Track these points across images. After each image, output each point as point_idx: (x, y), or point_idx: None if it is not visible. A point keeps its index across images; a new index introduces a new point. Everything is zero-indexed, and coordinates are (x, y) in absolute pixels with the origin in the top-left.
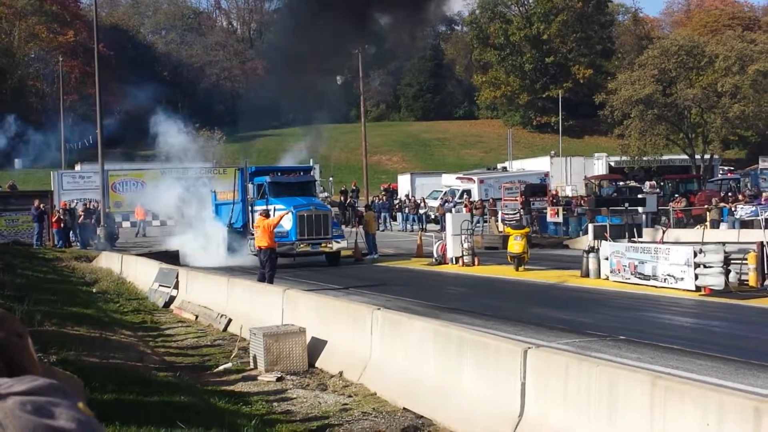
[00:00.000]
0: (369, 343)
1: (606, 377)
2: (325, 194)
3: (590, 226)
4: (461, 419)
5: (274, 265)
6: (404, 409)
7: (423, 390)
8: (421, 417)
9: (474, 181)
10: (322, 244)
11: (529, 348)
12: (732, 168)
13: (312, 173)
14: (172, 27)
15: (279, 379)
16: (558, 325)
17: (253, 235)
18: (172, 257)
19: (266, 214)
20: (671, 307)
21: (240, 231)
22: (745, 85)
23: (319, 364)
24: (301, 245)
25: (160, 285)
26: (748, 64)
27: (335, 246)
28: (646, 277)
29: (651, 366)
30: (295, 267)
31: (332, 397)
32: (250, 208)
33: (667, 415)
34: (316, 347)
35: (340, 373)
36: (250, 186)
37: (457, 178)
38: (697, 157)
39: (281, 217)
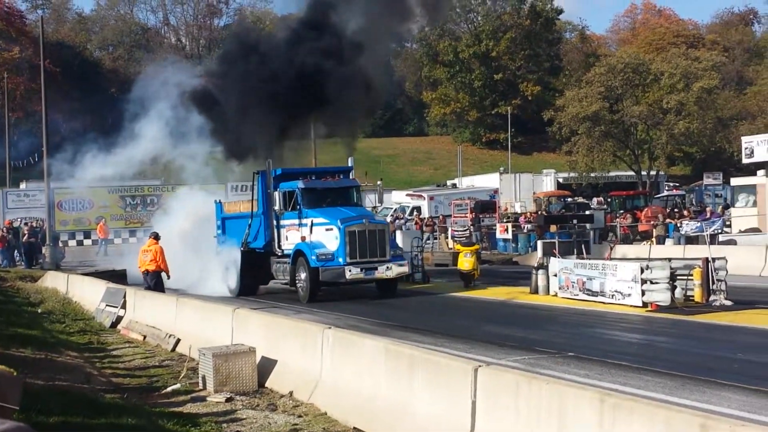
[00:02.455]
0: (320, 363)
1: (556, 395)
2: (378, 205)
3: (539, 243)
4: None
5: (162, 290)
6: (355, 428)
7: (374, 409)
8: None
9: (424, 198)
10: (378, 269)
11: (480, 366)
12: (677, 184)
13: (351, 175)
14: (120, 43)
15: (228, 400)
16: (508, 341)
17: (282, 257)
18: (119, 276)
19: (157, 237)
20: (619, 323)
21: (261, 253)
22: (690, 102)
23: (270, 383)
24: (352, 270)
25: (107, 305)
26: (692, 82)
27: (394, 270)
28: (595, 294)
29: (599, 383)
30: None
31: (282, 418)
32: (276, 222)
33: (616, 429)
34: (266, 367)
35: (291, 393)
36: (276, 195)
37: (407, 194)
38: (644, 173)
39: (160, 253)
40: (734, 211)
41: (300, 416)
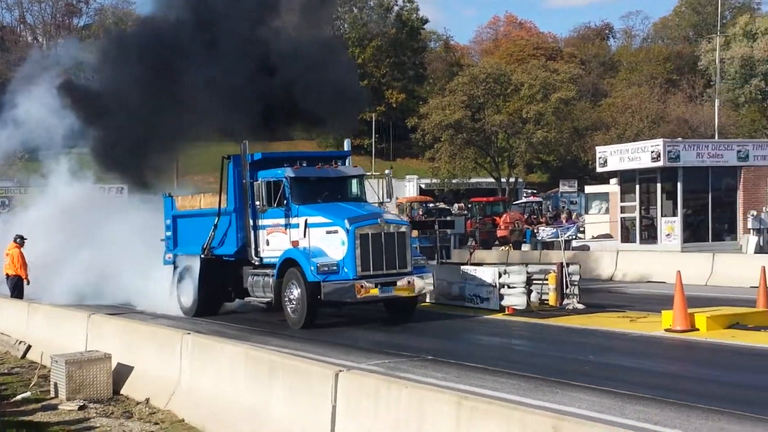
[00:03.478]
0: (178, 369)
1: (415, 399)
2: (386, 200)
3: None
4: None
5: (21, 296)
6: None
7: (233, 414)
8: None
9: None
10: (398, 284)
11: (341, 371)
12: (535, 191)
13: (349, 162)
14: None
15: (81, 408)
16: (368, 345)
17: (260, 267)
18: None
19: (21, 242)
20: (477, 326)
21: (230, 262)
22: (548, 112)
23: (126, 390)
24: (365, 286)
25: None
26: (551, 93)
27: (417, 284)
28: (455, 298)
29: (457, 385)
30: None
31: (138, 425)
32: (252, 222)
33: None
34: (122, 374)
35: (147, 400)
36: (257, 186)
37: None
38: (503, 180)
39: (18, 258)
40: (588, 217)
41: (156, 423)
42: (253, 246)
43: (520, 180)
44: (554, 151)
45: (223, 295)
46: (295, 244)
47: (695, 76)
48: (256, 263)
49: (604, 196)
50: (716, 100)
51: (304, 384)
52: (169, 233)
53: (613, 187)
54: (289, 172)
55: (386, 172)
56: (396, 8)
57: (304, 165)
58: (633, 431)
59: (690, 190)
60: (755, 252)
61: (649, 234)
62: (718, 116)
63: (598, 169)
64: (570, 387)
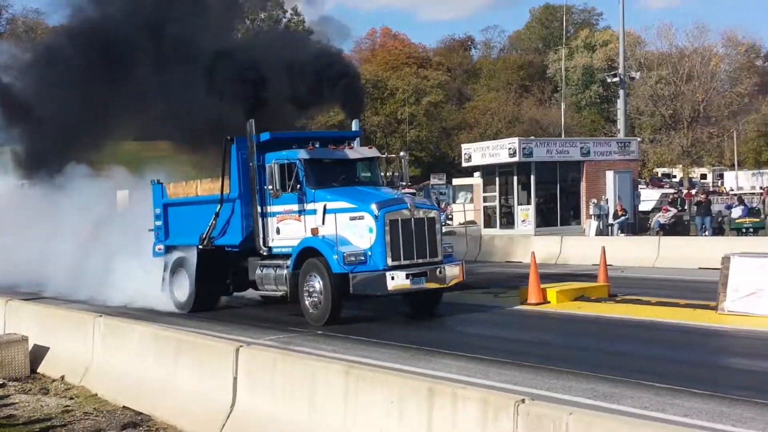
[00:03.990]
0: (91, 348)
1: (308, 369)
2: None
3: None
4: (179, 413)
5: None
6: (124, 407)
7: (143, 389)
8: (141, 414)
9: None
10: (429, 274)
11: (241, 346)
12: (410, 183)
13: (358, 143)
14: None
15: (0, 386)
16: (263, 323)
17: (270, 257)
18: None
19: None
20: (359, 303)
21: (233, 252)
22: (420, 114)
23: (42, 369)
24: (396, 277)
25: None
26: (422, 97)
27: (448, 274)
28: None
29: (345, 356)
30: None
31: (54, 400)
32: (261, 209)
33: (359, 399)
34: (39, 354)
35: (62, 377)
36: (269, 169)
37: None
38: (381, 174)
39: None
40: (455, 206)
41: (71, 398)
42: (261, 235)
43: (396, 174)
44: (425, 148)
45: (221, 289)
46: (314, 232)
47: (544, 83)
48: (265, 254)
49: (469, 188)
50: (562, 104)
51: (207, 359)
52: (159, 223)
53: (476, 179)
54: (303, 153)
55: (401, 153)
56: (284, 20)
57: (317, 146)
58: (498, 392)
59: (541, 181)
60: (596, 234)
61: (508, 220)
62: (564, 117)
63: (464, 164)
64: (441, 355)
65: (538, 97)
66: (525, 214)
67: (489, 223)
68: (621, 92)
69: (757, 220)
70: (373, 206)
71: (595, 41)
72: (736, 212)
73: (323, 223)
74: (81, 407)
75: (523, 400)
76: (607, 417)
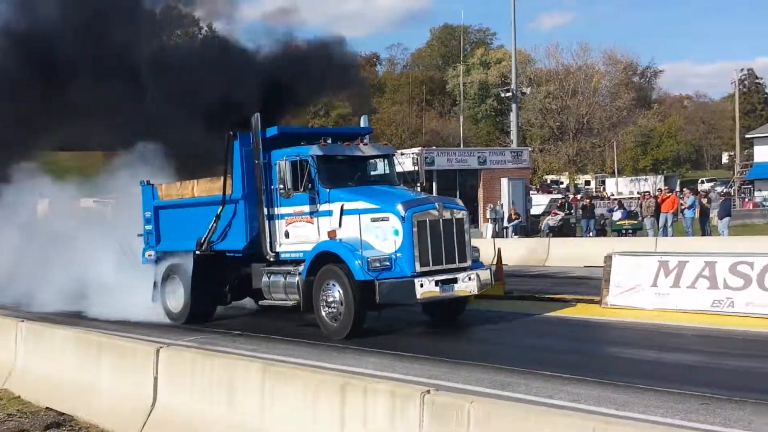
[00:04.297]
0: (14, 353)
1: (227, 368)
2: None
3: None
4: (101, 412)
5: None
6: (47, 408)
7: (66, 390)
8: (63, 414)
9: None
10: (459, 281)
11: (161, 347)
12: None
13: (367, 139)
14: None
15: None
16: (184, 325)
17: (278, 264)
18: None
19: None
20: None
21: (236, 258)
22: (330, 125)
23: None
24: (425, 284)
25: None
26: (331, 109)
27: (477, 279)
28: None
29: (265, 355)
30: None
31: None
32: (267, 211)
33: (275, 394)
34: None
35: None
36: (280, 167)
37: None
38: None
39: None
40: None
41: None
42: (268, 239)
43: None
44: None
45: (219, 298)
46: (331, 235)
47: (444, 97)
48: (272, 259)
49: None
50: (461, 116)
51: (129, 360)
52: (149, 227)
53: None
54: (315, 149)
55: (415, 150)
56: (200, 37)
57: (329, 142)
58: (406, 384)
59: (443, 188)
60: (492, 237)
61: None
62: (462, 129)
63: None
64: (359, 352)
65: (439, 110)
66: None
67: None
68: (513, 106)
69: (635, 222)
70: (400, 206)
71: (490, 59)
72: (617, 215)
73: (340, 226)
74: (4, 409)
75: (428, 391)
76: (504, 404)
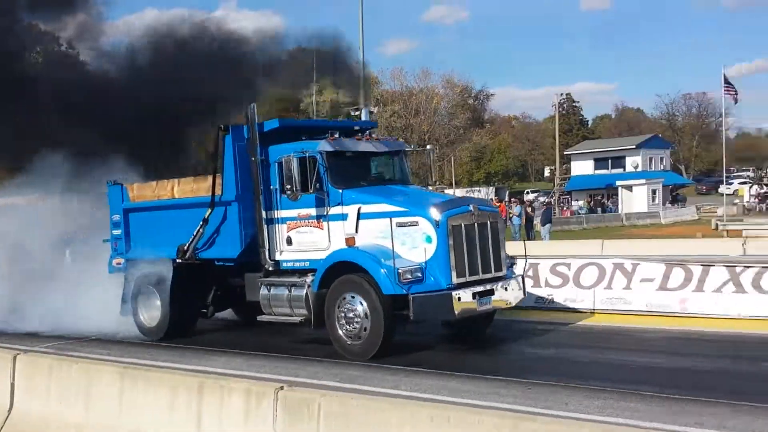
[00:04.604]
0: None
1: (84, 372)
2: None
3: None
4: None
5: None
6: None
7: None
8: None
9: None
10: (496, 293)
11: (18, 354)
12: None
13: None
14: None
15: None
16: (43, 332)
17: (279, 274)
18: None
19: None
20: None
21: (227, 266)
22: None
23: None
24: (462, 297)
25: None
26: None
27: (512, 291)
28: None
29: (121, 359)
30: None
31: None
32: (265, 214)
33: (134, 396)
34: None
35: None
36: (290, 163)
37: None
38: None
39: None
40: None
41: None
42: (266, 246)
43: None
44: None
45: (197, 310)
46: (350, 242)
47: (299, 114)
48: (270, 268)
49: None
50: None
51: None
52: (118, 232)
53: None
54: (324, 145)
55: (428, 147)
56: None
57: (339, 137)
58: (261, 381)
59: None
60: None
61: None
62: None
63: None
64: (213, 352)
65: None
66: None
67: None
68: None
69: None
70: (433, 210)
71: (341, 79)
72: None
73: (356, 231)
74: None
75: (282, 387)
76: (353, 396)
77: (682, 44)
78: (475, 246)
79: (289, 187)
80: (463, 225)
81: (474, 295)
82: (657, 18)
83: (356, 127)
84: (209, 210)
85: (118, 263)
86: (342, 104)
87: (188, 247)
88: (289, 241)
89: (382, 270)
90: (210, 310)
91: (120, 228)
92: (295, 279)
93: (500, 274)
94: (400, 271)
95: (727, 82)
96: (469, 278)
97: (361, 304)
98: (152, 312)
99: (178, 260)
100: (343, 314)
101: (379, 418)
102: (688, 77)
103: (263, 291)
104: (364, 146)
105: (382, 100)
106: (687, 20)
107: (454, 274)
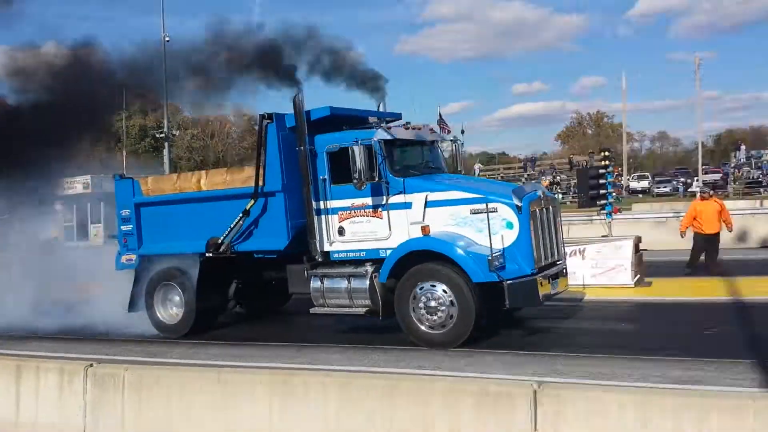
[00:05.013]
0: None
1: None
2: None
3: None
4: None
5: None
6: None
7: None
8: None
9: None
10: (560, 276)
11: None
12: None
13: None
14: None
15: None
16: None
17: (334, 265)
18: None
19: None
20: None
21: (272, 258)
22: None
23: None
24: (543, 283)
25: None
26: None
27: (569, 274)
28: None
29: (19, 351)
30: None
31: None
32: (315, 205)
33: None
34: None
35: None
36: (354, 152)
37: None
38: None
39: None
40: None
41: None
42: (317, 237)
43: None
44: None
45: (223, 304)
46: (426, 230)
47: (111, 136)
48: (320, 259)
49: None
50: (124, 151)
51: None
52: (128, 227)
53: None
54: (381, 133)
55: (455, 137)
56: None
57: (387, 126)
58: (73, 361)
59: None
60: None
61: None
62: (126, 161)
63: None
64: (32, 339)
65: (106, 146)
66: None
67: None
68: (166, 144)
69: None
70: (513, 196)
71: (147, 107)
72: None
73: (423, 219)
74: None
75: (91, 365)
76: (154, 368)
77: None
78: (545, 231)
79: (355, 176)
80: (537, 211)
81: (549, 279)
82: None
83: (387, 119)
84: (252, 201)
85: (129, 260)
86: (149, 128)
87: (223, 240)
88: (341, 232)
89: (469, 258)
90: (231, 303)
91: (130, 223)
92: (352, 269)
93: (561, 258)
94: (490, 258)
95: None
96: (544, 264)
97: (445, 292)
98: (172, 308)
99: (208, 254)
100: (424, 303)
101: (178, 383)
102: None
103: (315, 283)
104: (421, 135)
105: (183, 125)
106: None
107: (536, 257)
